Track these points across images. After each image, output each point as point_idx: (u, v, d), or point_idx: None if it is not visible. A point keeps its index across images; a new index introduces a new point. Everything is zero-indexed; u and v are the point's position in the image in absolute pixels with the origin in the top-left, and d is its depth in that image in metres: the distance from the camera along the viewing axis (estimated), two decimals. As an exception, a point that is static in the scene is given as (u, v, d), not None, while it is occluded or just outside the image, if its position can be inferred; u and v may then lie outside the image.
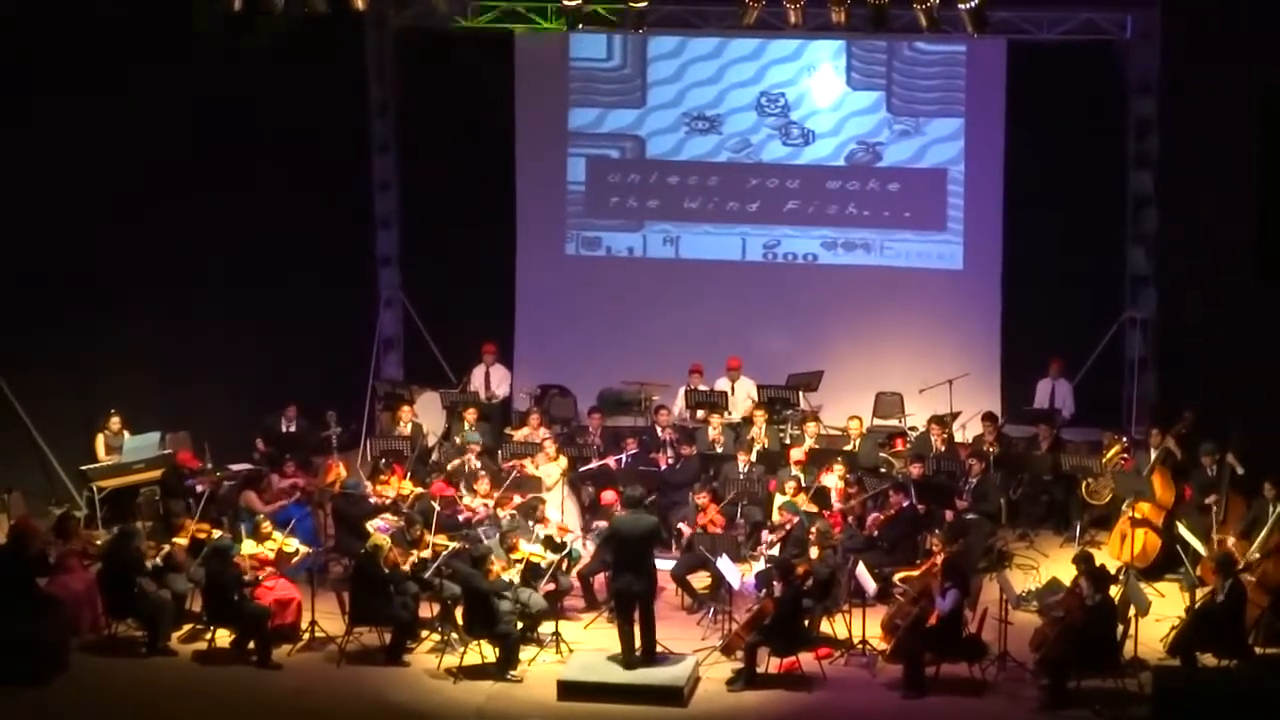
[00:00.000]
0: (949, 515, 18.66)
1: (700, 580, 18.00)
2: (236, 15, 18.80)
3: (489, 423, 21.36)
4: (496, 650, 16.35)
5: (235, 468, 20.05)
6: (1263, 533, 17.28)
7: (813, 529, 17.41)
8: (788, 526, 17.75)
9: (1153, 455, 19.11)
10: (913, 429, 21.64)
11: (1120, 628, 15.91)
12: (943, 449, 20.08)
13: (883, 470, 19.76)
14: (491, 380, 22.53)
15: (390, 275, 24.30)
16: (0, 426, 19.99)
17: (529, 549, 17.28)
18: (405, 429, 20.82)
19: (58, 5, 19.25)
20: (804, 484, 18.66)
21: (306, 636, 17.07)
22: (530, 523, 17.97)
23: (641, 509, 16.57)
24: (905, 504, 18.29)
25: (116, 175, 20.12)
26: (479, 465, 19.55)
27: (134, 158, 20.26)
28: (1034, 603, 17.13)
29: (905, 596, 16.61)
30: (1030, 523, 20.27)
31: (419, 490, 19.03)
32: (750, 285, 23.59)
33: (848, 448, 20.16)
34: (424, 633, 17.08)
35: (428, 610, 17.26)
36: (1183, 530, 18.16)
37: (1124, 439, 20.03)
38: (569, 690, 15.89)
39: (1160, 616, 16.96)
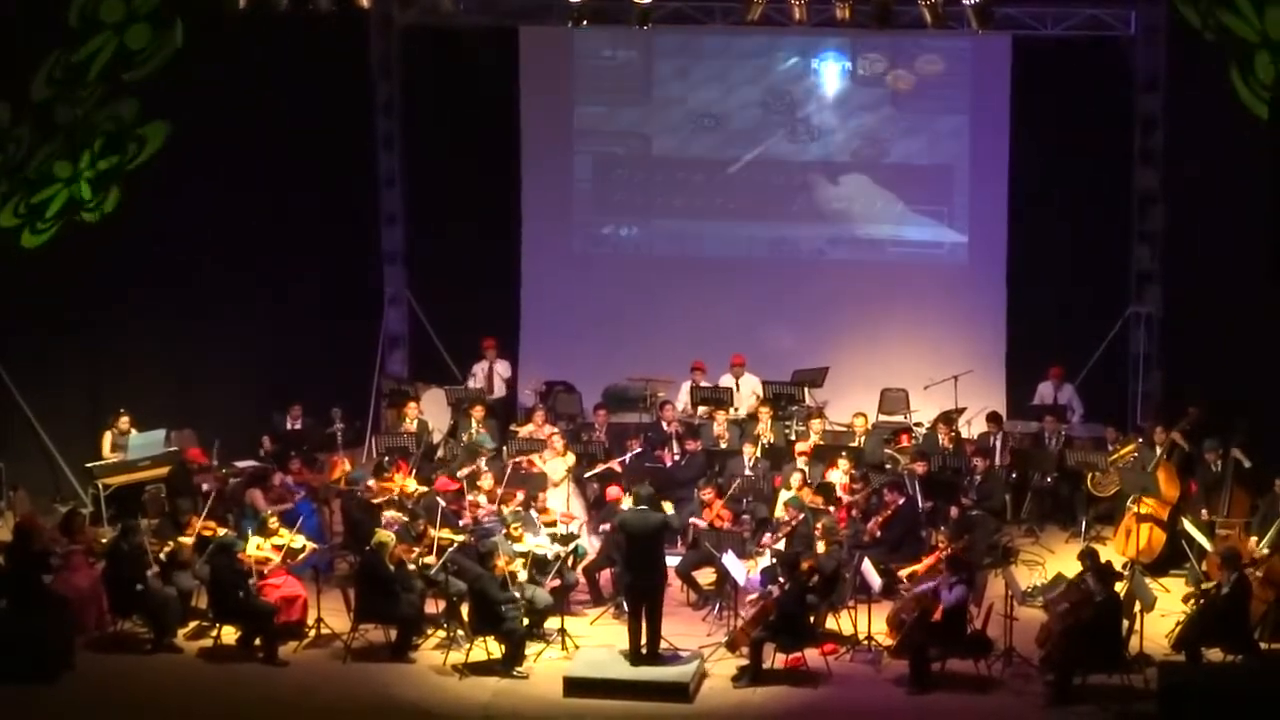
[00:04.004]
0: (954, 512, 18.68)
1: (706, 576, 18.00)
2: (242, 12, 18.88)
3: (494, 419, 21.38)
4: (502, 646, 16.36)
5: (241, 465, 20.07)
6: (1272, 529, 17.25)
7: (818, 524, 17.44)
8: (793, 523, 17.74)
9: (1157, 452, 19.13)
10: (918, 425, 21.66)
11: (1125, 623, 15.91)
12: (949, 447, 20.09)
13: (887, 466, 19.77)
14: (495, 376, 22.56)
15: (396, 272, 24.28)
16: (6, 424, 20.04)
17: (534, 543, 17.28)
18: (411, 426, 20.84)
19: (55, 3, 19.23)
20: (808, 479, 18.70)
21: (312, 633, 17.08)
22: (532, 513, 17.98)
23: (650, 506, 16.55)
24: (901, 502, 18.28)
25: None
26: (484, 464, 19.57)
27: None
28: (1039, 598, 17.12)
29: (910, 592, 16.61)
30: (1036, 518, 20.29)
31: (424, 489, 19.03)
32: (756, 282, 23.57)
33: (853, 444, 20.15)
34: (430, 629, 17.10)
35: (433, 606, 17.28)
36: (1188, 525, 18.16)
37: (1139, 439, 19.98)
38: (575, 686, 15.90)
39: (1165, 612, 16.98)
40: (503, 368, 22.75)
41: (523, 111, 23.82)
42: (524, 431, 20.84)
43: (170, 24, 17.96)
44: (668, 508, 17.18)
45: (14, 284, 19.52)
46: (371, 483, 18.94)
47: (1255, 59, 16.79)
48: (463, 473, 19.51)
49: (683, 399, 21.70)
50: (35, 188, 18.09)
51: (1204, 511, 18.34)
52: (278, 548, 17.25)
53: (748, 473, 19.32)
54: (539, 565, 17.08)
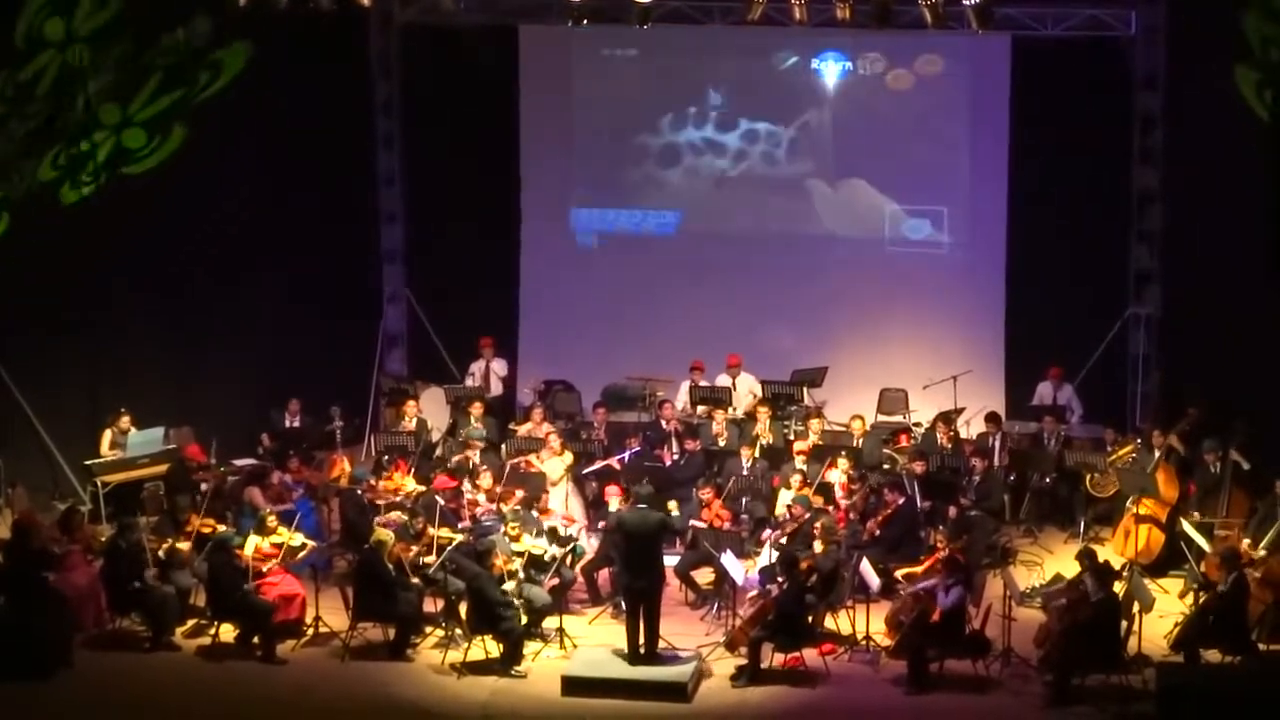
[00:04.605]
0: (953, 512, 18.67)
1: (704, 576, 17.99)
2: (242, 11, 18.88)
3: (493, 417, 21.38)
4: (501, 646, 16.35)
5: (240, 463, 20.07)
6: (1272, 530, 17.24)
7: (817, 524, 17.44)
8: (798, 522, 17.72)
9: (1156, 453, 19.11)
10: (917, 425, 21.65)
11: (1124, 624, 15.90)
12: (948, 447, 20.09)
13: (886, 466, 19.77)
14: (492, 374, 22.56)
15: (395, 271, 24.30)
16: (5, 422, 20.02)
17: (532, 542, 17.27)
18: (410, 424, 20.83)
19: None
20: (807, 479, 18.70)
21: (310, 632, 17.08)
22: (534, 512, 17.98)
23: (650, 506, 16.54)
24: (901, 501, 18.28)
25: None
26: (480, 461, 19.55)
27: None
28: (1038, 599, 17.12)
29: (909, 592, 16.60)
30: (1035, 519, 20.29)
31: (422, 488, 19.02)
32: (755, 282, 23.55)
33: (851, 445, 20.12)
34: (428, 628, 17.09)
35: (432, 605, 17.27)
36: (1186, 526, 18.16)
37: (1137, 440, 19.98)
38: (573, 686, 15.89)
39: (1164, 613, 16.98)
40: (499, 366, 22.76)
41: (523, 111, 23.83)
42: (523, 430, 20.85)
43: (119, 39, 17.76)
44: (672, 508, 17.18)
45: (14, 284, 19.50)
46: (374, 482, 18.94)
47: None
48: (454, 460, 19.51)
49: (682, 398, 21.70)
50: (77, 136, 17.59)
51: (1194, 514, 18.33)
52: (276, 546, 17.25)
53: (744, 473, 19.32)
54: (536, 564, 17.08)
